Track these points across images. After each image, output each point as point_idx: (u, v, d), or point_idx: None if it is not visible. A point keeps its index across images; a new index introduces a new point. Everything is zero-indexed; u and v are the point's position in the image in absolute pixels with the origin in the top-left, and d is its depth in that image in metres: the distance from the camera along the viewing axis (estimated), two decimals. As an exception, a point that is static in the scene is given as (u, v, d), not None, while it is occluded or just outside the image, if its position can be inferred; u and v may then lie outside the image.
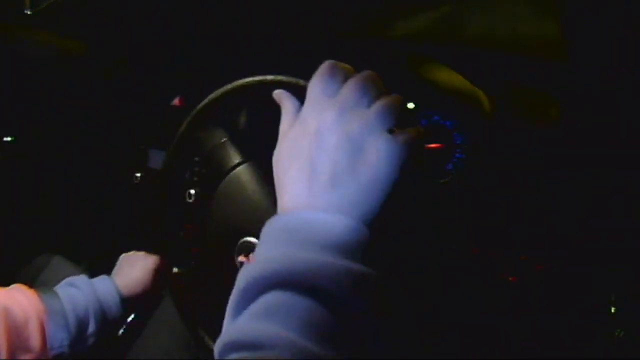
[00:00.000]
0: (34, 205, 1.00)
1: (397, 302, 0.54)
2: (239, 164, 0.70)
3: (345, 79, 0.38)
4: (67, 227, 1.04)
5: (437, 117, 0.80)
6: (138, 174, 1.00)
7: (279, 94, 0.43)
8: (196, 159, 0.92)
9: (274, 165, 0.39)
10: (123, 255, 0.72)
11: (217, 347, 0.30)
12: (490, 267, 0.72)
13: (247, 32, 0.87)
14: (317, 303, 0.29)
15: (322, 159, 0.35)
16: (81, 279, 0.64)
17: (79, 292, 0.61)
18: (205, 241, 0.65)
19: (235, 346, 0.29)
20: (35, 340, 0.55)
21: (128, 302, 0.65)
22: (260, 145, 0.77)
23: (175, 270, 0.73)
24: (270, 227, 0.35)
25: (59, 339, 0.57)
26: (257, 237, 0.54)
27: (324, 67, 0.39)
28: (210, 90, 0.58)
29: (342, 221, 0.33)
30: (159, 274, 0.69)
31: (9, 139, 0.93)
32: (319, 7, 0.80)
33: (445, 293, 0.73)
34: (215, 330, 0.61)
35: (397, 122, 0.37)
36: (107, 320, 0.62)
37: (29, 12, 0.78)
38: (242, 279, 0.32)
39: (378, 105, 0.36)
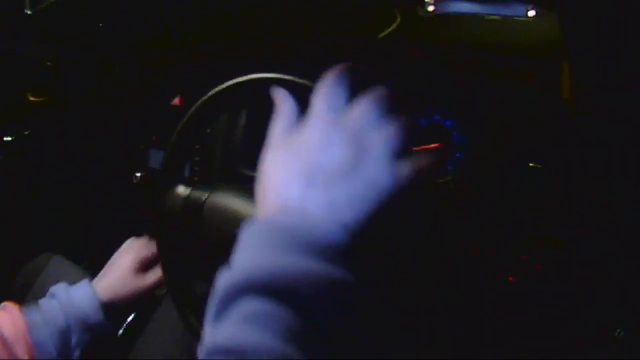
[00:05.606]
0: (34, 205, 1.00)
1: (394, 302, 0.54)
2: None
3: (354, 93, 0.38)
4: (67, 227, 1.04)
5: (437, 117, 0.80)
6: (138, 174, 1.00)
7: (278, 94, 0.42)
8: (196, 158, 0.92)
9: (263, 167, 0.38)
10: (109, 262, 0.71)
11: (201, 351, 0.31)
12: (490, 267, 0.72)
13: (247, 32, 0.87)
14: (296, 309, 0.29)
15: (321, 172, 0.34)
16: (60, 288, 0.63)
17: (57, 302, 0.61)
18: (203, 244, 0.65)
19: (219, 351, 0.29)
20: (24, 356, 0.56)
21: (110, 306, 0.63)
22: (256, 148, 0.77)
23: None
24: (252, 230, 0.34)
25: (47, 353, 0.58)
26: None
27: (332, 78, 0.38)
28: (210, 90, 0.58)
29: (329, 228, 0.32)
30: (140, 273, 0.67)
31: (9, 139, 0.93)
32: (319, 8, 0.80)
33: (445, 293, 0.73)
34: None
35: (407, 146, 0.36)
36: (88, 327, 0.61)
37: (29, 12, 0.78)
38: (222, 283, 0.32)
39: (389, 129, 0.36)
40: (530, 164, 0.72)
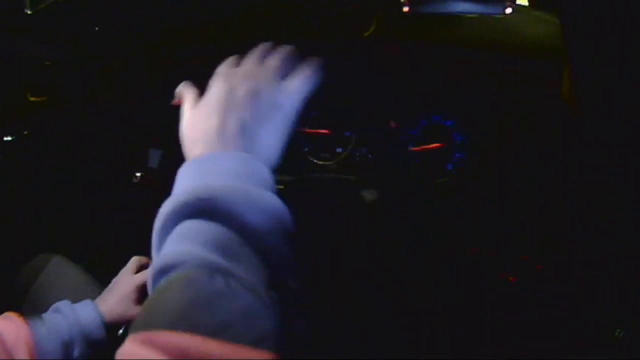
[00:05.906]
0: (34, 205, 1.00)
1: (394, 302, 0.54)
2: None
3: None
4: (67, 227, 1.04)
5: (437, 117, 0.80)
6: (138, 174, 1.00)
7: (180, 89, 0.49)
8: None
9: (184, 130, 0.43)
10: (114, 279, 0.73)
11: (149, 282, 0.34)
12: (490, 267, 0.72)
13: (248, 32, 0.87)
14: (219, 221, 0.33)
15: (232, 114, 0.40)
16: (65, 305, 0.67)
17: (63, 317, 0.64)
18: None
19: (160, 272, 0.32)
20: None
21: (110, 325, 0.68)
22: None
23: None
24: (182, 168, 0.39)
25: None
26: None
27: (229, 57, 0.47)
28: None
29: (247, 157, 0.38)
30: (139, 302, 0.71)
31: (9, 139, 0.93)
32: (318, 9, 0.80)
33: (446, 292, 0.73)
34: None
35: (289, 70, 0.44)
36: (90, 343, 0.65)
37: (29, 12, 0.78)
38: (158, 217, 0.35)
39: (271, 61, 0.44)
40: (530, 164, 0.72)
